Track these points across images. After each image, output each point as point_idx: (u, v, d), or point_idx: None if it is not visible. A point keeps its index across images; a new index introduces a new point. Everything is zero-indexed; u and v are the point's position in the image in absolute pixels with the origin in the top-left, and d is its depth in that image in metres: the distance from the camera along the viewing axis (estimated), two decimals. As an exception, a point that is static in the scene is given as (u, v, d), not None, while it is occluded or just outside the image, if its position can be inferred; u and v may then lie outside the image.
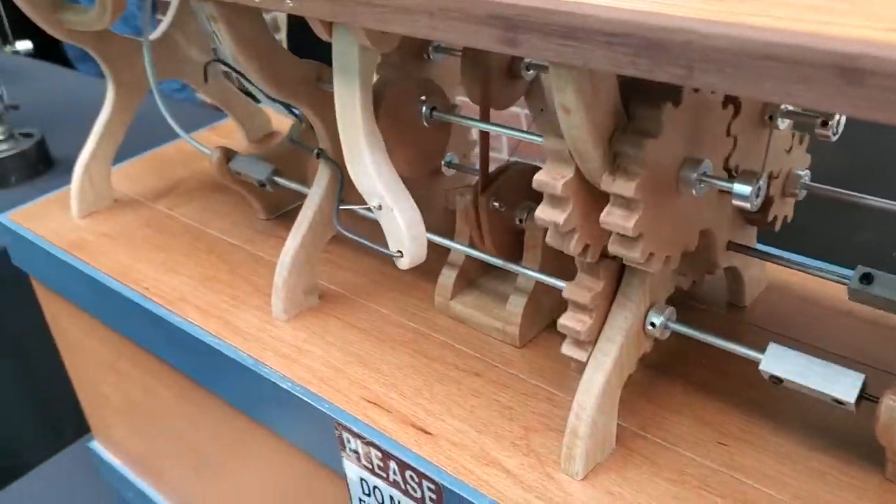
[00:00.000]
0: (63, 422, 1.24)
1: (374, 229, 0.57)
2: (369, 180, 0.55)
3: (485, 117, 0.59)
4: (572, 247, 0.45)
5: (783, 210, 0.56)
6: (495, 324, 0.60)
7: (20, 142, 1.44)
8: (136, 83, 0.82)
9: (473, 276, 0.64)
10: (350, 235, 0.59)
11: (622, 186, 0.41)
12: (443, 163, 0.68)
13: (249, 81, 0.76)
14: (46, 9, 0.75)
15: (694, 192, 0.44)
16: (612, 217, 0.42)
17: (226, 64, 0.84)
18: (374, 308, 0.66)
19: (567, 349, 0.49)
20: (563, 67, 0.38)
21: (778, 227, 0.56)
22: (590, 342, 0.48)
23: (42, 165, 1.45)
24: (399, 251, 0.55)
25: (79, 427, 1.13)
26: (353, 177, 0.56)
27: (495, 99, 0.59)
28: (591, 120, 0.40)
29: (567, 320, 0.48)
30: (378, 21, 0.43)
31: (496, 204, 0.58)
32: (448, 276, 0.63)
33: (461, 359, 0.59)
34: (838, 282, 0.51)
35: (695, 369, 0.56)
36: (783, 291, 0.63)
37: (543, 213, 0.45)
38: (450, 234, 0.62)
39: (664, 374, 0.56)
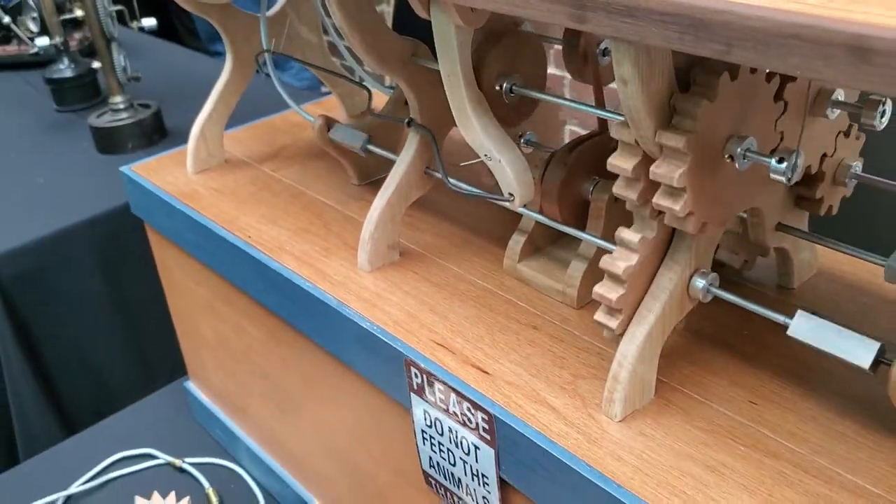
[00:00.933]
0: (158, 367, 1.35)
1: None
2: (477, 137, 0.61)
3: (598, 95, 0.65)
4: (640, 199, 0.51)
5: (832, 196, 0.60)
6: (556, 286, 0.66)
7: (139, 111, 1.56)
8: (251, 56, 0.91)
9: (541, 244, 0.70)
10: (460, 186, 0.66)
11: (674, 139, 0.46)
12: (522, 140, 0.74)
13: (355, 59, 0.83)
14: (178, -18, 0.85)
15: (737, 165, 0.49)
16: (661, 168, 0.48)
17: (282, 55, 0.91)
18: (448, 266, 0.72)
19: (600, 288, 0.54)
20: (623, 43, 0.44)
21: (823, 211, 0.60)
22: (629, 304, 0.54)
23: (157, 135, 1.57)
24: (510, 194, 0.62)
25: (172, 374, 1.24)
26: (464, 135, 0.62)
27: (601, 77, 0.65)
28: (645, 91, 0.45)
29: (602, 289, 0.53)
30: (467, -1, 0.50)
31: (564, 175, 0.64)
32: (517, 241, 0.69)
33: (522, 314, 0.65)
34: (879, 264, 0.55)
35: (736, 339, 0.60)
36: (833, 277, 0.66)
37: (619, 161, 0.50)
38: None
39: (707, 341, 0.61)
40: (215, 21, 0.88)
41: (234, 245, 0.79)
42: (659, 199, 0.49)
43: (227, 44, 0.90)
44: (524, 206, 0.64)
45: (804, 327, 0.50)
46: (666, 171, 0.47)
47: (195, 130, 0.92)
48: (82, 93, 1.78)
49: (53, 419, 1.27)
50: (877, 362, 0.47)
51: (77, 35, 1.89)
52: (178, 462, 1.02)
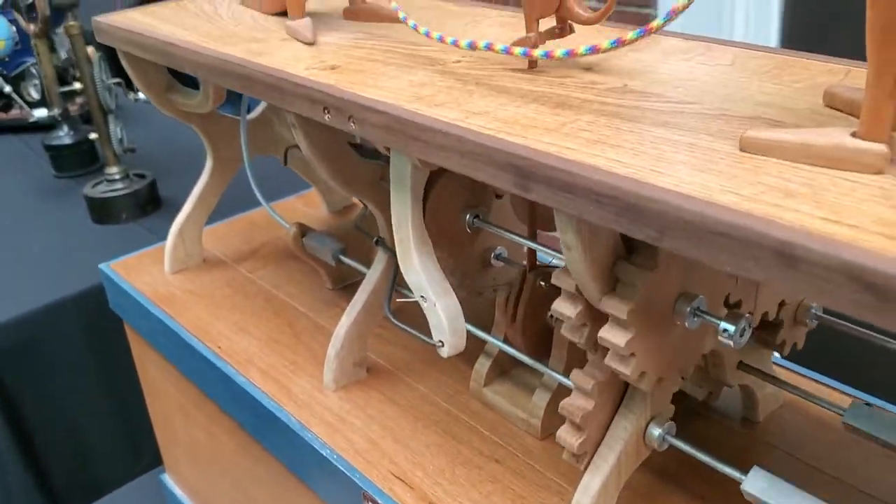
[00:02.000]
0: (146, 443, 1.34)
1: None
2: (416, 277, 0.61)
3: (531, 236, 0.65)
4: (583, 340, 0.51)
5: (794, 336, 0.59)
6: (521, 414, 0.66)
7: (134, 182, 1.57)
8: (232, 157, 0.92)
9: (507, 367, 0.70)
10: (398, 324, 0.66)
11: (617, 308, 0.46)
12: (493, 255, 0.73)
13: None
14: (159, 89, 0.86)
15: (686, 324, 0.48)
16: (607, 334, 0.47)
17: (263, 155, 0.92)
18: (415, 386, 0.72)
19: (562, 432, 0.53)
20: (564, 213, 0.44)
21: (786, 352, 0.59)
22: (587, 448, 0.53)
23: (150, 206, 1.58)
24: (440, 341, 0.61)
25: (158, 453, 1.23)
26: (403, 272, 0.62)
27: (541, 222, 0.65)
28: (588, 257, 0.45)
29: (564, 433, 0.53)
30: (422, 153, 0.50)
31: (530, 306, 0.63)
32: (483, 364, 0.69)
33: (486, 444, 0.65)
34: (837, 413, 0.54)
35: (694, 480, 0.59)
36: (800, 409, 0.66)
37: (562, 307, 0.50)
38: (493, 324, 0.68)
39: (666, 480, 0.60)
40: (197, 126, 0.89)
41: (203, 356, 0.78)
42: (609, 362, 0.49)
43: (207, 148, 0.91)
44: (495, 336, 0.64)
45: (758, 485, 0.49)
46: (612, 337, 0.47)
47: (174, 230, 0.93)
48: (80, 160, 1.79)
49: (38, 494, 1.26)
50: (828, 532, 0.46)
51: (79, 100, 1.92)
52: (150, 560, 1.01)
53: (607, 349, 0.50)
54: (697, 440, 0.54)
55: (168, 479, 1.08)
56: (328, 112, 0.56)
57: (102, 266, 0.95)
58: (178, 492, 1.06)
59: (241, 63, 0.64)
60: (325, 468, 0.65)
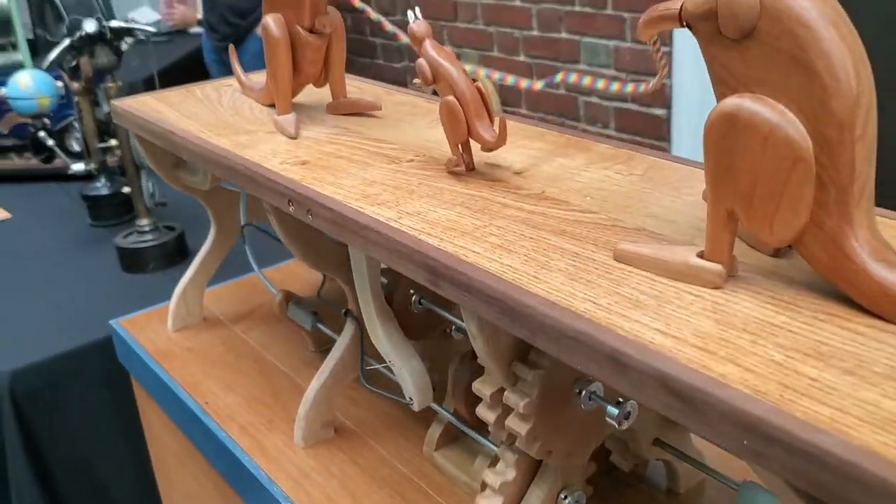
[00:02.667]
0: (150, 493, 1.42)
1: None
2: (382, 346, 0.69)
3: None
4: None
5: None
6: (464, 478, 0.72)
7: (163, 234, 1.67)
8: (233, 226, 1.00)
9: (457, 433, 0.76)
10: (371, 388, 0.74)
11: (515, 402, 0.53)
12: (453, 328, 0.80)
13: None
14: (167, 166, 0.95)
15: (583, 406, 0.55)
16: (512, 423, 0.54)
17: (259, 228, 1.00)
18: (375, 448, 0.79)
19: (482, 499, 0.60)
20: (468, 310, 0.51)
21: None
22: (508, 510, 0.59)
23: (178, 256, 1.67)
24: (410, 398, 0.69)
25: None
26: (373, 341, 0.70)
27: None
28: (490, 347, 0.52)
29: (484, 499, 0.59)
30: (361, 247, 0.58)
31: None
32: (435, 430, 0.75)
33: (428, 503, 0.71)
34: (732, 488, 0.60)
35: (612, 545, 0.65)
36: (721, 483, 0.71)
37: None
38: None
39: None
40: (200, 199, 0.98)
41: (192, 410, 0.86)
42: (518, 444, 0.55)
43: (211, 217, 1.00)
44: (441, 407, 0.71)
45: (648, 554, 0.55)
46: (516, 426, 0.54)
47: (177, 291, 1.01)
48: (115, 210, 1.90)
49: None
50: None
51: (117, 153, 2.04)
52: None
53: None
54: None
55: (167, 521, 1.16)
56: (292, 204, 0.64)
57: (112, 322, 1.04)
58: (174, 534, 1.13)
59: (226, 155, 0.72)
60: (287, 520, 0.72)
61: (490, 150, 0.64)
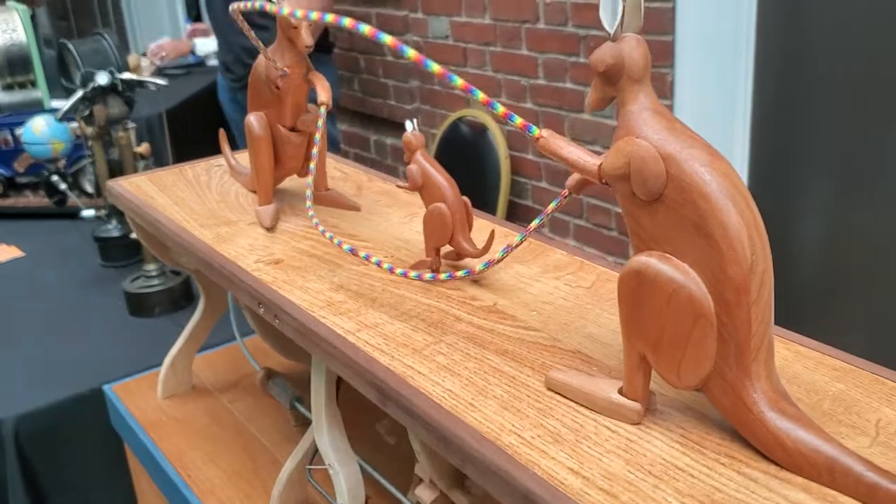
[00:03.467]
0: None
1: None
2: (325, 447, 0.73)
3: None
4: None
5: None
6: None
7: (169, 279, 1.72)
8: (221, 299, 1.05)
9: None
10: (311, 481, 0.78)
11: (459, 499, 0.57)
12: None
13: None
14: (159, 246, 1.00)
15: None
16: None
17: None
18: (344, 527, 0.82)
19: None
20: (408, 428, 0.55)
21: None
22: None
23: (184, 301, 1.71)
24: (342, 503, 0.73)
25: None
26: (317, 443, 0.74)
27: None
28: (432, 465, 0.56)
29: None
30: (319, 356, 0.62)
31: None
32: (400, 515, 0.79)
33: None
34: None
35: None
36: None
37: None
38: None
39: None
40: (192, 273, 1.02)
41: (174, 482, 0.90)
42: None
43: (200, 290, 1.04)
44: None
45: None
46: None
47: (166, 362, 1.06)
48: (125, 252, 1.95)
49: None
50: None
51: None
52: None
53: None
54: None
55: (155, 578, 1.20)
56: (262, 306, 0.69)
57: (106, 388, 1.09)
58: (162, 591, 1.17)
59: (206, 251, 0.77)
60: None
61: (472, 256, 0.68)
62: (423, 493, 0.60)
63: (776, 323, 0.48)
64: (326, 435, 0.71)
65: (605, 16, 0.46)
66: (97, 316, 1.64)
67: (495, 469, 0.47)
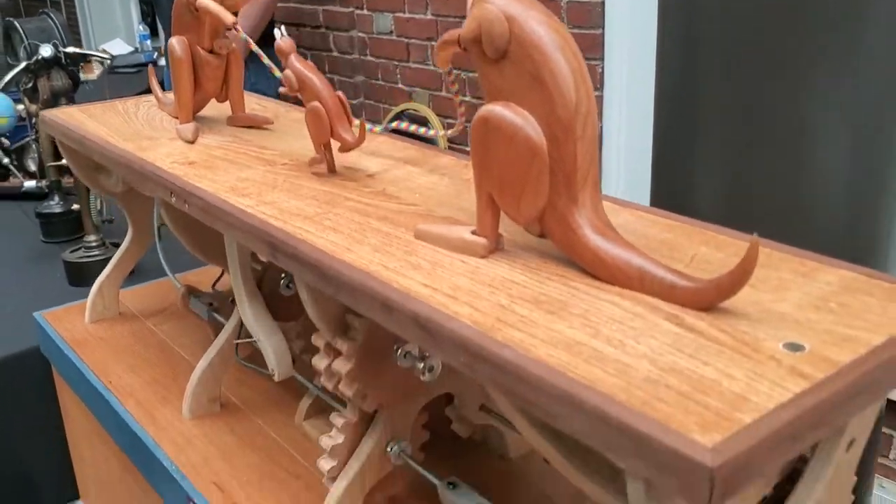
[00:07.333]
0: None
1: (242, 361, 0.81)
2: (249, 322, 0.79)
3: None
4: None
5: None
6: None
7: (109, 250, 1.75)
8: (148, 228, 1.10)
9: (325, 405, 0.86)
10: (241, 362, 0.84)
11: (341, 345, 0.64)
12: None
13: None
14: (87, 171, 1.05)
15: (399, 363, 0.66)
16: (337, 365, 0.65)
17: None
18: (254, 420, 0.88)
19: (320, 461, 0.70)
20: (298, 278, 0.62)
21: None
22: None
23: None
24: (273, 370, 0.79)
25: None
26: (242, 318, 0.80)
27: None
28: (318, 308, 0.63)
29: (322, 461, 0.70)
30: (222, 228, 0.69)
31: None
32: (304, 403, 0.86)
33: (293, 465, 0.81)
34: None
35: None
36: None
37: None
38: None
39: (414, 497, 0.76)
40: (118, 202, 1.08)
41: (97, 389, 0.95)
42: (341, 387, 0.66)
43: (128, 218, 1.10)
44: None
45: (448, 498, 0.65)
46: (339, 366, 0.64)
47: (94, 287, 1.11)
48: (67, 227, 1.98)
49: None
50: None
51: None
52: (55, 575, 1.16)
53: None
54: (455, 468, 0.70)
55: (81, 505, 1.24)
56: (173, 195, 0.75)
57: (36, 314, 1.13)
58: (87, 517, 1.21)
59: (125, 156, 0.83)
60: (167, 478, 0.82)
61: (350, 149, 0.75)
62: (317, 339, 0.67)
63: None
64: (248, 309, 0.77)
65: None
66: (35, 288, 1.67)
67: (361, 287, 0.54)
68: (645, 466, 0.37)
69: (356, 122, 0.74)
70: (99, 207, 1.79)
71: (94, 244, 1.74)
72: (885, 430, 1.77)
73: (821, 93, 2.06)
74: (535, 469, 0.80)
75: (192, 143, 0.87)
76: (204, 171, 0.78)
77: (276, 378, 0.79)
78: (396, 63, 2.80)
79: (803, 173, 2.10)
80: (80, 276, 1.70)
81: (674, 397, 0.39)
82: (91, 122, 0.98)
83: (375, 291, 0.53)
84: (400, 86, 2.81)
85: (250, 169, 0.78)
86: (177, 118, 0.98)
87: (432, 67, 2.68)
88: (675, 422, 0.37)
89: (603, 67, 2.08)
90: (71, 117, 1.00)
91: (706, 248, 0.57)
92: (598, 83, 2.09)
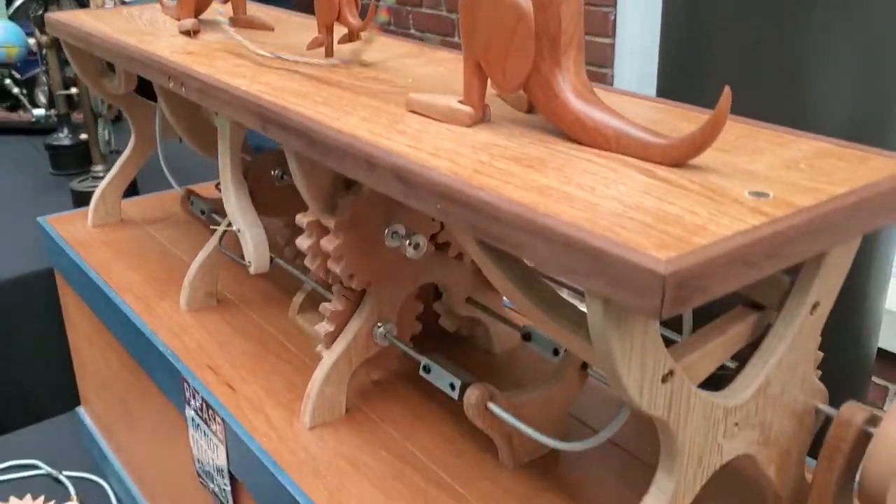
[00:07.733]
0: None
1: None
2: (232, 209, 0.80)
3: None
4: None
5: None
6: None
7: None
8: (151, 136, 1.12)
9: (318, 300, 0.88)
10: (223, 251, 0.85)
11: (328, 221, 0.65)
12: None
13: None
14: (93, 75, 1.07)
15: (386, 242, 0.67)
16: (324, 242, 0.66)
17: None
18: (249, 314, 0.91)
19: (318, 326, 0.72)
20: (286, 147, 0.63)
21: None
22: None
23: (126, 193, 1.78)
24: (249, 262, 0.80)
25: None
26: (225, 206, 0.81)
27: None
28: (308, 182, 0.64)
29: (319, 326, 0.72)
30: (216, 107, 0.70)
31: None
32: (299, 297, 0.87)
33: (285, 353, 0.83)
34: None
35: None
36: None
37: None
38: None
39: (404, 380, 0.78)
40: (122, 106, 1.09)
41: (98, 286, 0.98)
42: (329, 264, 0.67)
43: (131, 126, 1.11)
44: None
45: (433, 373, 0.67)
46: (327, 243, 0.66)
47: (97, 193, 1.13)
48: (75, 159, 2.00)
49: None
50: (461, 390, 0.64)
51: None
52: (56, 474, 1.19)
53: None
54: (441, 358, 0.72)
55: (82, 411, 1.27)
56: (171, 80, 0.76)
57: (40, 219, 1.15)
58: (88, 422, 1.24)
59: (127, 47, 0.84)
60: (163, 364, 0.84)
61: (356, 31, 0.75)
62: (301, 218, 0.68)
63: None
64: (233, 196, 0.79)
65: None
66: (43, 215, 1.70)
67: (347, 148, 0.55)
68: (604, 284, 0.39)
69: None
70: (107, 138, 1.81)
71: (101, 174, 1.77)
72: (879, 381, 1.78)
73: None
74: (519, 365, 0.82)
75: (191, 35, 0.89)
76: (202, 59, 0.79)
77: (251, 270, 0.80)
78: (409, 8, 2.79)
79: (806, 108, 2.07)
80: (87, 205, 1.73)
81: (636, 226, 0.41)
82: (97, 23, 0.99)
83: (359, 150, 0.54)
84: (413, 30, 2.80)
85: (246, 58, 0.79)
86: (177, 19, 0.98)
87: (444, 14, 2.66)
88: (634, 243, 0.39)
89: (615, 14, 2.06)
90: (76, 17, 1.01)
91: (688, 124, 0.58)
92: (611, 31, 2.08)
